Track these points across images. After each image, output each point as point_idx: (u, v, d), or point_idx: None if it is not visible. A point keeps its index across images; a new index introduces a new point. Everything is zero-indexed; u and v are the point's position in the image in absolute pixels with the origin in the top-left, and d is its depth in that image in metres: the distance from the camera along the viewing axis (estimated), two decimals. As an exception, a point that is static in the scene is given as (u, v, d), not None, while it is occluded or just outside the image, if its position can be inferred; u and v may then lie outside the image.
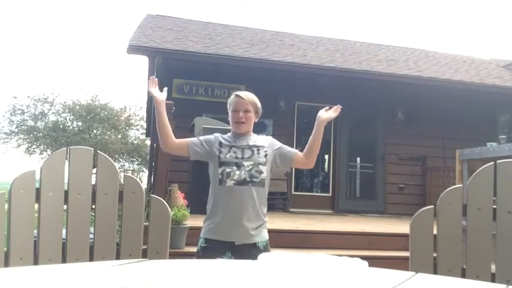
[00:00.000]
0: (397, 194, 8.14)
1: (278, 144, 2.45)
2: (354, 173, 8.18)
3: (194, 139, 2.42)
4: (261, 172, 2.33)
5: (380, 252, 4.33)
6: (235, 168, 2.30)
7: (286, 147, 2.45)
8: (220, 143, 2.38)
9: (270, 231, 2.41)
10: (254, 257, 1.38)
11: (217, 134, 2.47)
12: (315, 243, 4.38)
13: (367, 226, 5.28)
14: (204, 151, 2.38)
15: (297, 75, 7.48)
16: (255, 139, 2.43)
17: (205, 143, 2.40)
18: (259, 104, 2.44)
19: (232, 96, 2.44)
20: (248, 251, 2.22)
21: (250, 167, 2.31)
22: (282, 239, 4.15)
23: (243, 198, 2.28)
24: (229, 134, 2.48)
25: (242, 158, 2.32)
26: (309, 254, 1.46)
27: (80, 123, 17.14)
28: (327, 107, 2.44)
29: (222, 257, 2.22)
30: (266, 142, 2.42)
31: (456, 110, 8.16)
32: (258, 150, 2.37)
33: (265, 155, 2.36)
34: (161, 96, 2.37)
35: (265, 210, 2.36)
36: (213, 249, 2.25)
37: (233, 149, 2.35)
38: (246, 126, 2.40)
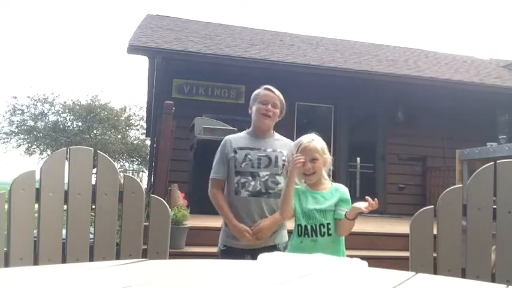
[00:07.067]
0: (397, 194, 8.13)
1: None
2: (354, 173, 8.17)
3: (220, 172, 2.28)
4: (277, 183, 2.21)
5: (380, 252, 4.33)
6: (250, 178, 2.20)
7: None
8: (235, 150, 2.24)
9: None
10: None
11: (229, 139, 2.32)
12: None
13: (367, 226, 5.26)
14: (227, 168, 2.28)
15: (297, 75, 7.47)
16: (275, 143, 2.29)
17: (224, 161, 2.28)
18: (284, 104, 2.34)
19: (261, 89, 2.32)
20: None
21: (266, 177, 2.21)
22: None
23: (258, 209, 2.21)
24: (245, 132, 2.35)
25: (258, 167, 2.21)
26: (309, 254, 1.46)
27: (80, 124, 17.16)
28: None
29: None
30: (286, 148, 2.26)
31: (456, 110, 8.15)
32: (276, 158, 2.23)
33: (283, 164, 2.21)
34: None
35: None
36: (233, 252, 2.22)
37: (249, 156, 2.22)
38: (271, 121, 2.29)
